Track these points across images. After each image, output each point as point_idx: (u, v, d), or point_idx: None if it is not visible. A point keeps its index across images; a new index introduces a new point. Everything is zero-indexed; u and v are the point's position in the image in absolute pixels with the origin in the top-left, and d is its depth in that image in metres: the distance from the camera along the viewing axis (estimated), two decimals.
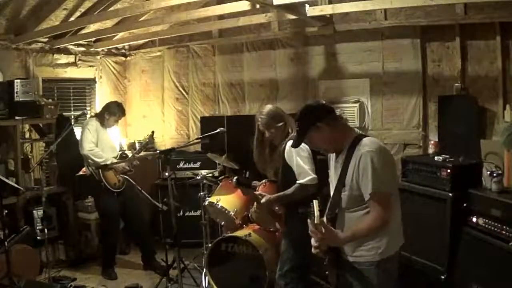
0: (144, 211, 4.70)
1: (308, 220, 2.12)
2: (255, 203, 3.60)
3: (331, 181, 2.45)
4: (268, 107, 3.36)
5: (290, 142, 2.95)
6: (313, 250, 2.23)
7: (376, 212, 2.17)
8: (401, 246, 2.39)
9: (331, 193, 2.39)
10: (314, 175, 3.01)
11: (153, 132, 4.99)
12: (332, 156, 2.44)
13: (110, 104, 4.88)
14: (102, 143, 4.68)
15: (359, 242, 2.26)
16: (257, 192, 3.36)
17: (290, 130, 3.18)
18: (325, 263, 2.31)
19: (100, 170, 4.56)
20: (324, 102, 2.47)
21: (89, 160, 4.59)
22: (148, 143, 5.10)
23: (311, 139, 2.35)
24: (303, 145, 2.85)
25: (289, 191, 3.09)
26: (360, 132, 2.39)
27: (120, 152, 4.90)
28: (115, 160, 4.65)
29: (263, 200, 3.24)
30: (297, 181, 3.04)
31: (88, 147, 4.58)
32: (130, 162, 4.76)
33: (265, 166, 3.38)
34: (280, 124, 3.22)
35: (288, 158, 3.07)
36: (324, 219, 2.22)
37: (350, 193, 2.25)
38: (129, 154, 5.07)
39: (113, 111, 4.77)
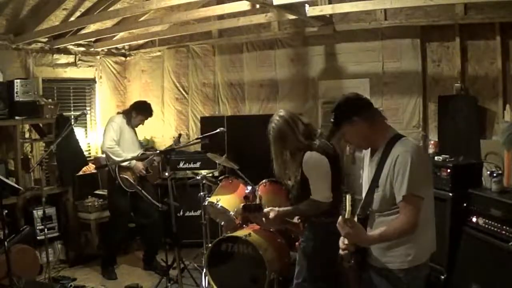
0: (154, 212, 4.67)
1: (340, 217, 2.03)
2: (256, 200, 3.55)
3: (364, 181, 2.32)
4: (277, 118, 2.96)
5: (309, 154, 2.84)
6: (340, 251, 2.15)
7: (404, 215, 2.05)
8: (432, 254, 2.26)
9: (363, 193, 2.27)
10: (329, 193, 2.85)
11: (180, 135, 4.95)
12: (366, 156, 2.33)
13: (138, 103, 4.88)
14: (124, 142, 4.65)
15: (388, 247, 2.14)
16: (266, 210, 3.12)
17: (302, 139, 2.90)
18: (349, 264, 2.19)
19: (117, 168, 4.56)
20: (364, 96, 2.31)
21: (109, 159, 4.60)
22: (172, 145, 5.07)
23: (345, 133, 2.23)
24: (323, 158, 2.82)
25: (301, 206, 2.96)
26: (398, 131, 2.27)
27: (141, 153, 4.82)
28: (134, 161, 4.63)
29: (271, 216, 3.04)
30: (311, 197, 2.89)
31: (108, 144, 4.57)
32: (145, 164, 4.74)
33: (283, 176, 3.09)
34: (286, 141, 2.92)
35: (307, 171, 2.88)
36: (355, 218, 2.12)
37: (383, 194, 2.14)
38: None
39: (140, 111, 4.76)
